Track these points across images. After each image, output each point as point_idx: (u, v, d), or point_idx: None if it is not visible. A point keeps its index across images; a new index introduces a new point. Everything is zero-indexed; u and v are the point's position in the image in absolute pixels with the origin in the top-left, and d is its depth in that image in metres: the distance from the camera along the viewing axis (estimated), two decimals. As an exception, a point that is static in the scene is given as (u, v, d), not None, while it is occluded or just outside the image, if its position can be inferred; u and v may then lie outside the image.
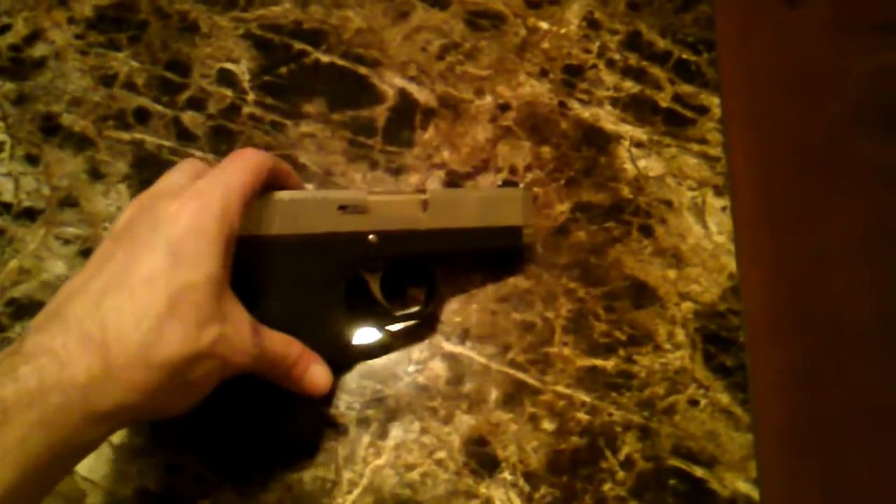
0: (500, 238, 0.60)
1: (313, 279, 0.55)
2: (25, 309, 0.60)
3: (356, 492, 0.56)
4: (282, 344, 0.51)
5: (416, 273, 0.60)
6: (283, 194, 0.55)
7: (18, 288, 0.61)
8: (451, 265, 0.62)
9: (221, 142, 0.67)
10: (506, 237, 0.60)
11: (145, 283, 0.44)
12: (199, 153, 0.66)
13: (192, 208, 0.47)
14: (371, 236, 0.56)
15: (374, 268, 0.58)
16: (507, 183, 0.62)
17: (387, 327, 0.60)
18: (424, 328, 0.61)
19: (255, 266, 0.53)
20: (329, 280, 0.56)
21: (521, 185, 0.62)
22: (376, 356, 0.60)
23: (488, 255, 0.62)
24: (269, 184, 0.54)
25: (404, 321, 0.60)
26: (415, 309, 0.60)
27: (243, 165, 0.51)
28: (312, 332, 0.54)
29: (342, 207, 0.56)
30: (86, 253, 0.62)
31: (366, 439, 0.57)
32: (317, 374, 0.53)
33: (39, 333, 0.42)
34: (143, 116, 0.67)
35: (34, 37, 0.71)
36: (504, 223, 0.60)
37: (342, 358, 0.58)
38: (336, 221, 0.56)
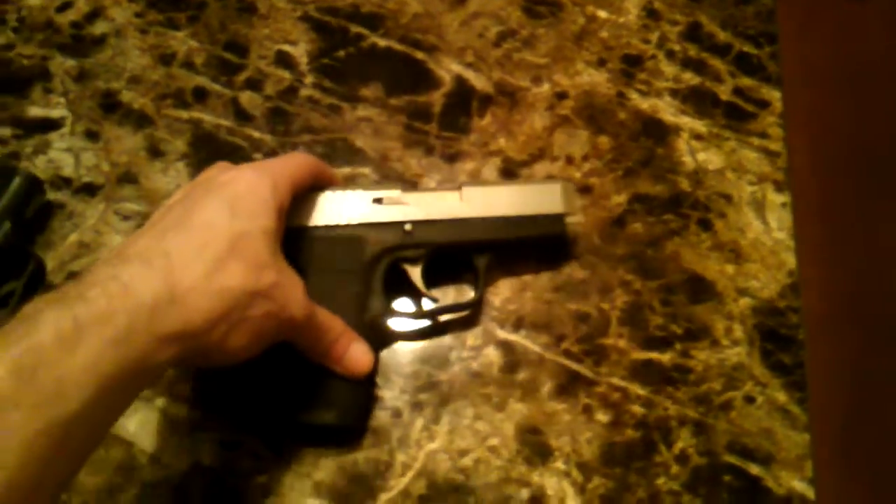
0: (541, 226, 0.59)
1: (351, 268, 0.56)
2: (84, 283, 0.61)
3: (409, 475, 0.56)
4: (327, 317, 0.53)
5: (461, 264, 0.60)
6: (320, 191, 0.58)
7: (78, 262, 0.62)
8: (499, 255, 0.61)
9: (278, 123, 0.67)
10: (547, 225, 0.59)
11: (206, 226, 0.46)
12: (255, 133, 0.66)
13: (248, 176, 0.50)
14: (407, 225, 0.57)
15: (414, 259, 0.58)
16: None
17: (429, 316, 0.60)
18: (473, 316, 0.61)
19: (296, 256, 0.55)
20: (366, 269, 0.57)
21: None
22: (418, 340, 0.60)
23: (534, 244, 0.62)
24: (315, 185, 0.57)
25: (450, 312, 0.60)
26: (452, 301, 0.61)
27: (293, 160, 0.54)
28: (350, 319, 0.55)
29: (377, 200, 0.58)
30: (144, 230, 0.63)
31: (419, 423, 0.57)
32: (358, 352, 0.54)
33: (104, 265, 0.43)
34: (201, 95, 0.68)
35: (95, 14, 0.71)
36: (544, 211, 0.59)
37: (380, 345, 0.59)
38: (371, 212, 0.57)
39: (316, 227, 0.57)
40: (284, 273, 0.49)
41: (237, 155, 0.65)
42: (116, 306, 0.41)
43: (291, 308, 0.48)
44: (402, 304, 0.60)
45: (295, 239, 0.55)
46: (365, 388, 0.56)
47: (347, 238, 0.57)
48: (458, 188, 0.59)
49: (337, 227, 0.57)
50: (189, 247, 0.45)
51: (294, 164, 0.54)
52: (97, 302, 0.40)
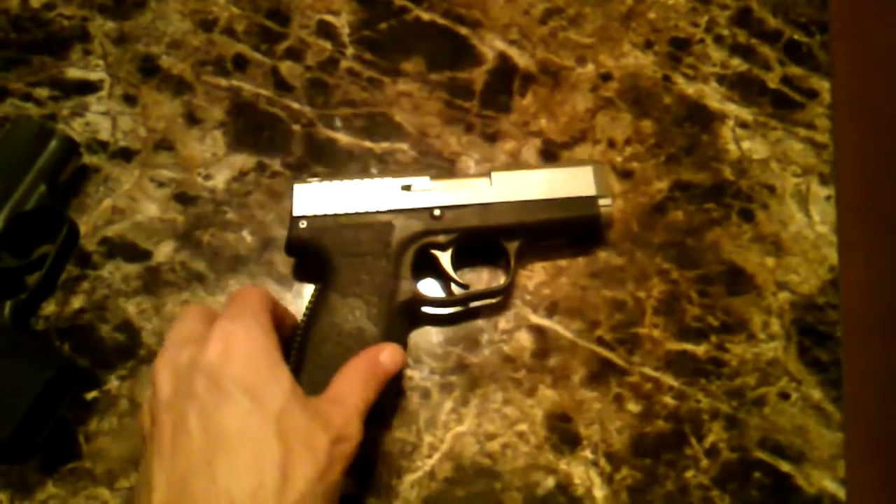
0: (571, 208, 0.58)
1: (380, 253, 0.56)
2: (118, 248, 0.61)
3: (436, 456, 0.56)
4: (355, 379, 0.49)
5: (493, 249, 0.59)
6: (349, 181, 0.58)
7: (111, 227, 0.62)
8: (532, 241, 0.60)
9: (318, 94, 0.66)
10: (578, 208, 0.58)
11: (241, 435, 0.42)
12: (295, 104, 0.66)
13: (234, 339, 0.45)
14: (436, 211, 0.57)
15: (443, 245, 0.58)
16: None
17: (458, 303, 0.60)
18: (505, 301, 0.60)
19: (326, 243, 0.56)
20: (395, 254, 0.56)
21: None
22: (448, 326, 0.60)
23: (566, 229, 0.60)
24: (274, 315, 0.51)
25: (480, 298, 0.60)
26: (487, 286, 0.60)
27: (252, 294, 0.49)
28: (380, 304, 0.54)
29: (406, 188, 0.58)
30: (179, 197, 0.62)
31: (448, 405, 0.57)
32: (389, 358, 0.51)
33: None
34: (241, 63, 0.67)
35: (136, -23, 0.71)
36: (576, 194, 0.58)
37: (410, 329, 0.59)
38: (400, 199, 0.57)
39: (346, 215, 0.57)
40: (320, 416, 0.45)
41: (275, 125, 0.65)
42: None
43: (352, 442, 0.45)
44: (433, 289, 0.60)
45: (325, 226, 0.56)
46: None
47: (376, 224, 0.57)
48: (488, 174, 0.59)
49: (366, 213, 0.57)
50: (246, 479, 0.41)
51: (256, 296, 0.48)
52: None
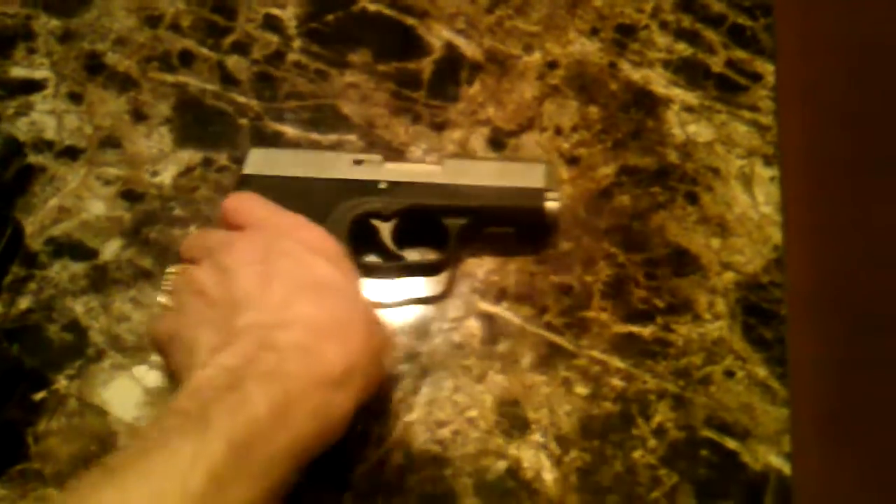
0: (519, 198, 0.59)
1: (325, 218, 0.56)
2: (65, 247, 0.61)
3: (386, 445, 0.56)
4: None
5: (437, 235, 0.60)
6: (305, 151, 0.61)
7: (58, 227, 0.61)
8: (475, 225, 0.60)
9: (264, 88, 0.66)
10: (526, 198, 0.59)
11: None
12: (241, 98, 0.66)
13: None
14: (381, 184, 0.58)
15: (385, 216, 0.58)
16: None
17: (393, 272, 0.60)
18: (455, 287, 0.60)
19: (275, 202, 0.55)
20: (335, 221, 0.57)
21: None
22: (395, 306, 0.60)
23: (511, 219, 0.60)
24: None
25: (416, 271, 0.60)
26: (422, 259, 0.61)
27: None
28: None
29: (357, 162, 0.59)
30: (125, 195, 0.62)
31: (398, 395, 0.57)
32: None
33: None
34: (187, 59, 0.67)
35: (81, -26, 0.70)
36: (524, 185, 0.59)
37: None
38: (350, 171, 0.59)
39: (294, 178, 0.58)
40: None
41: (222, 120, 0.65)
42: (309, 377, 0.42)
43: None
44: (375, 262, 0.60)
45: (270, 186, 0.57)
46: None
47: (319, 189, 0.58)
48: (440, 161, 0.59)
49: (313, 179, 0.58)
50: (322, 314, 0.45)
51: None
52: (298, 375, 0.41)
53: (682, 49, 0.68)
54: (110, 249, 0.61)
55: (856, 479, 0.57)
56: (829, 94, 0.67)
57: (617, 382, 0.58)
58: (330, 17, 0.69)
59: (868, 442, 0.58)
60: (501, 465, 0.56)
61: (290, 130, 0.65)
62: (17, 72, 0.66)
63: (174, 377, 0.47)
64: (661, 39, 0.69)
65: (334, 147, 0.64)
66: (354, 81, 0.67)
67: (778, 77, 0.68)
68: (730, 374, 0.59)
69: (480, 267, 0.61)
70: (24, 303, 0.59)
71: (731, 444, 0.57)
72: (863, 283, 0.61)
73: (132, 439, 0.45)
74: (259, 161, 0.59)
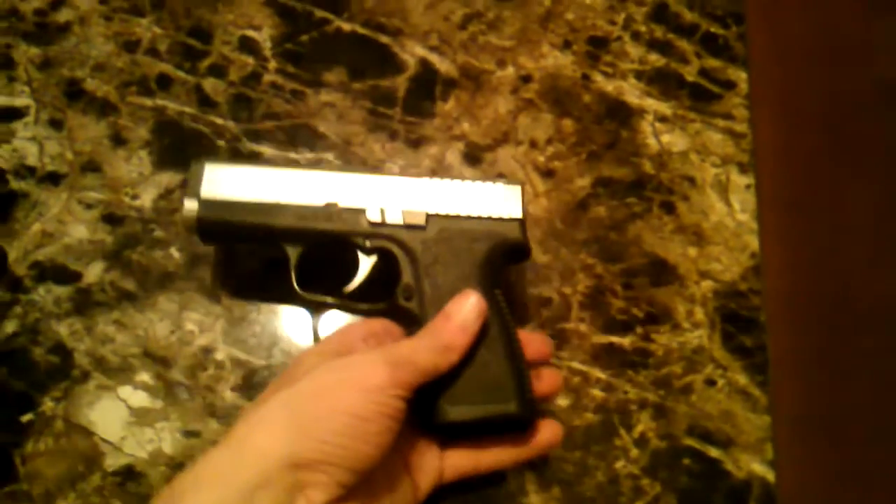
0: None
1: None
2: (48, 271, 0.61)
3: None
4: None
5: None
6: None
7: (41, 251, 0.62)
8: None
9: (241, 109, 0.67)
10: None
11: None
12: (219, 120, 0.66)
13: None
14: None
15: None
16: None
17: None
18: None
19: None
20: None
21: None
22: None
23: None
24: None
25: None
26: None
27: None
28: None
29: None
30: (107, 218, 0.63)
31: (379, 410, 0.58)
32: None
33: None
34: (165, 83, 0.68)
35: (59, 2, 0.71)
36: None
37: None
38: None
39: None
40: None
41: (200, 142, 0.65)
42: None
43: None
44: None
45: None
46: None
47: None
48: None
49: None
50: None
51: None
52: None
53: (655, 59, 0.69)
54: (93, 272, 0.61)
55: (839, 485, 0.58)
56: (802, 100, 0.68)
57: (598, 393, 0.58)
58: (305, 38, 0.69)
59: (851, 446, 0.58)
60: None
61: (267, 150, 0.65)
62: (-2, 100, 0.67)
63: None
64: (634, 50, 0.69)
65: (313, 164, 0.65)
66: (330, 100, 0.67)
67: (751, 85, 0.68)
68: (710, 382, 0.59)
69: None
70: (9, 326, 0.60)
71: (714, 452, 0.57)
72: (839, 286, 0.61)
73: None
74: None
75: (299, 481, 0.42)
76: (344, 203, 0.55)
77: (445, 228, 0.54)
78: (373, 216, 0.54)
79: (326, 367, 0.46)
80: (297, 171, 0.55)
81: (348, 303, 0.56)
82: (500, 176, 0.65)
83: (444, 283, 0.52)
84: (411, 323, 0.52)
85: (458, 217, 0.54)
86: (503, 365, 0.50)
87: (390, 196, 0.55)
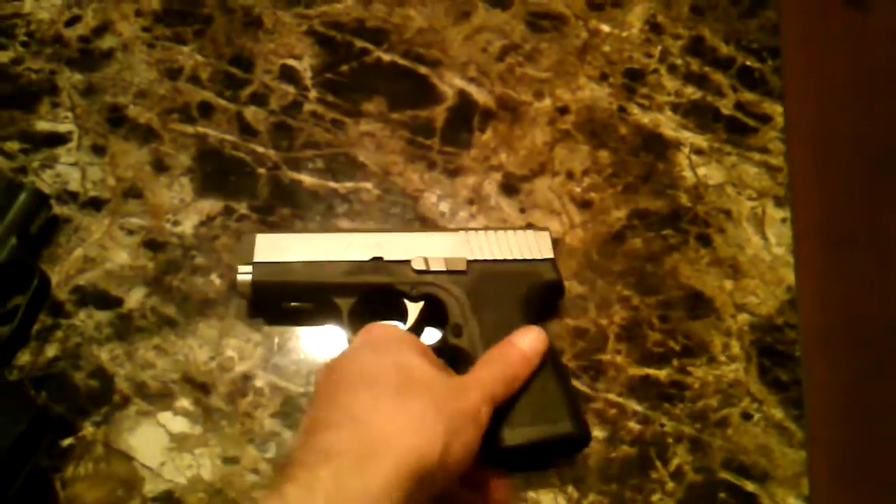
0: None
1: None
2: (90, 296, 0.62)
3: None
4: (485, 365, 0.52)
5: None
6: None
7: (83, 276, 0.63)
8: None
9: (282, 138, 0.68)
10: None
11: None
12: (260, 148, 0.67)
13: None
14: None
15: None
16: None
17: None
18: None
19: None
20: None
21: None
22: None
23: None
24: None
25: None
26: None
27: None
28: None
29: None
30: (148, 244, 0.64)
31: (417, 439, 0.58)
32: (527, 342, 0.53)
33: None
34: (206, 110, 0.69)
35: (103, 28, 0.72)
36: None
37: None
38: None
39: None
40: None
41: (241, 169, 0.66)
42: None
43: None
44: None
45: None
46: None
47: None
48: None
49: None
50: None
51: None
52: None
53: (691, 92, 0.69)
54: (134, 298, 0.62)
55: (875, 520, 0.57)
56: (838, 133, 0.68)
57: (634, 425, 0.59)
58: (345, 68, 0.70)
59: (887, 480, 0.58)
60: (520, 509, 0.56)
61: (307, 179, 0.66)
62: (42, 125, 0.68)
63: None
64: (670, 83, 0.70)
65: (349, 196, 0.65)
66: (370, 130, 0.68)
67: (787, 118, 0.69)
68: (747, 416, 0.59)
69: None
70: (50, 351, 0.60)
71: (750, 486, 0.57)
72: (877, 321, 0.61)
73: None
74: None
75: None
76: (389, 256, 0.59)
77: (485, 272, 0.58)
78: (417, 265, 0.58)
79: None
80: (342, 234, 0.60)
81: None
82: (535, 207, 0.65)
83: (490, 321, 0.56)
84: (461, 361, 0.56)
85: (495, 261, 0.59)
86: (555, 388, 0.53)
87: (432, 247, 0.59)
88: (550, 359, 0.54)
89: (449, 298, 0.58)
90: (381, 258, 0.59)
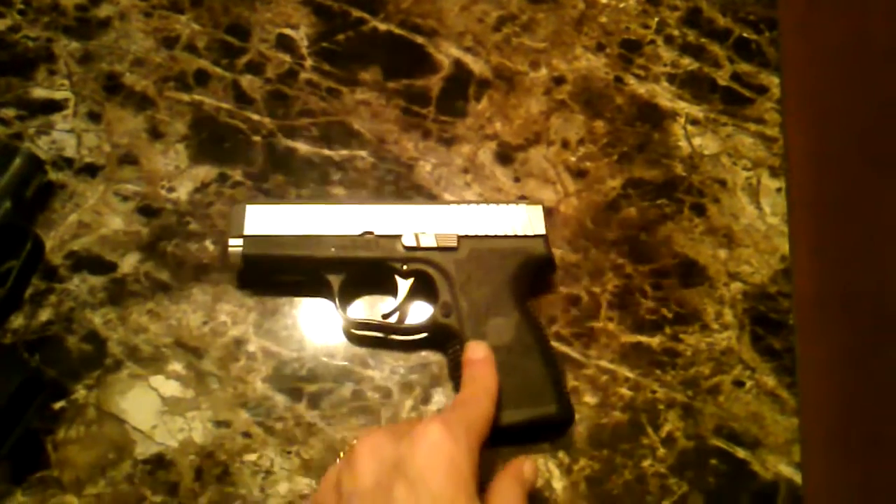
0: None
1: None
2: (84, 261, 0.62)
3: (397, 454, 0.56)
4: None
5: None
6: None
7: (77, 241, 0.63)
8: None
9: (278, 106, 0.68)
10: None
11: None
12: (255, 116, 0.67)
13: (442, 452, 0.45)
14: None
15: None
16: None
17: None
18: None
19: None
20: None
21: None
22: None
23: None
24: None
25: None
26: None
27: (483, 401, 0.51)
28: None
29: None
30: (143, 210, 0.64)
31: (409, 403, 0.58)
32: (531, 472, 0.51)
33: None
34: (202, 78, 0.69)
35: (100, -3, 0.72)
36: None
37: None
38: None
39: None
40: None
41: (236, 137, 0.66)
42: None
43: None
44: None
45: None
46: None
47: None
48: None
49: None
50: None
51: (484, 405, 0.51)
52: None
53: (688, 63, 0.69)
54: (128, 263, 0.62)
55: (867, 488, 0.57)
56: (834, 104, 0.68)
57: (625, 392, 0.59)
58: (341, 37, 0.70)
59: (879, 449, 0.58)
60: (511, 473, 0.56)
61: (302, 147, 0.66)
62: (39, 93, 0.68)
63: None
64: (667, 54, 0.70)
65: (344, 164, 0.65)
66: (365, 99, 0.68)
67: (783, 89, 0.69)
68: (739, 383, 0.59)
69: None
70: (44, 315, 0.61)
71: (741, 453, 0.57)
72: (870, 289, 0.61)
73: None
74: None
75: None
76: (380, 231, 0.59)
77: (476, 248, 0.59)
78: (408, 241, 0.58)
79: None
80: (333, 205, 0.60)
81: (391, 324, 0.59)
82: (529, 176, 0.65)
83: (480, 299, 0.57)
84: (451, 338, 0.57)
85: (486, 237, 0.59)
86: (541, 371, 0.55)
87: (423, 222, 0.59)
88: (538, 342, 0.56)
89: (439, 276, 0.58)
90: (371, 232, 0.59)
